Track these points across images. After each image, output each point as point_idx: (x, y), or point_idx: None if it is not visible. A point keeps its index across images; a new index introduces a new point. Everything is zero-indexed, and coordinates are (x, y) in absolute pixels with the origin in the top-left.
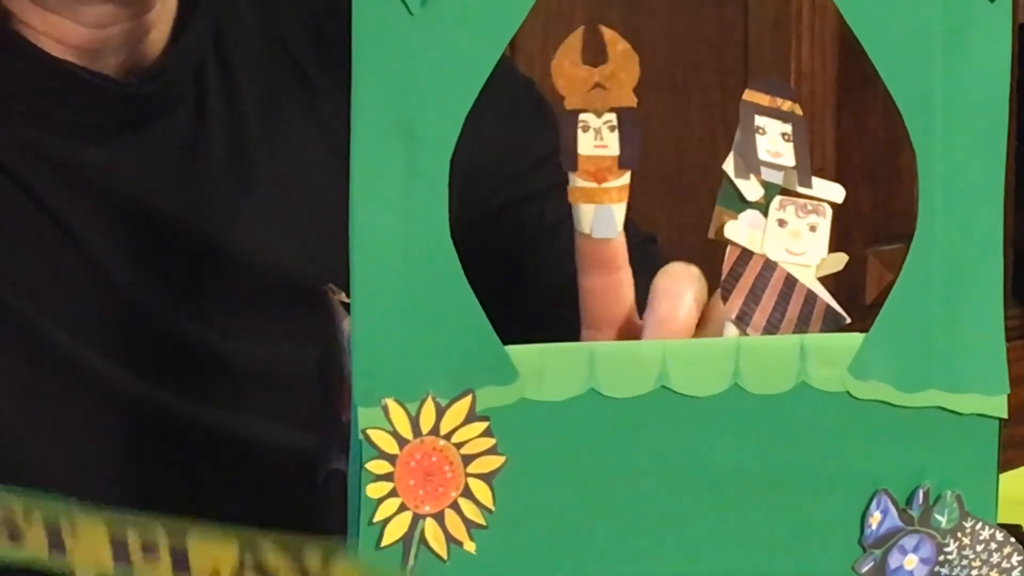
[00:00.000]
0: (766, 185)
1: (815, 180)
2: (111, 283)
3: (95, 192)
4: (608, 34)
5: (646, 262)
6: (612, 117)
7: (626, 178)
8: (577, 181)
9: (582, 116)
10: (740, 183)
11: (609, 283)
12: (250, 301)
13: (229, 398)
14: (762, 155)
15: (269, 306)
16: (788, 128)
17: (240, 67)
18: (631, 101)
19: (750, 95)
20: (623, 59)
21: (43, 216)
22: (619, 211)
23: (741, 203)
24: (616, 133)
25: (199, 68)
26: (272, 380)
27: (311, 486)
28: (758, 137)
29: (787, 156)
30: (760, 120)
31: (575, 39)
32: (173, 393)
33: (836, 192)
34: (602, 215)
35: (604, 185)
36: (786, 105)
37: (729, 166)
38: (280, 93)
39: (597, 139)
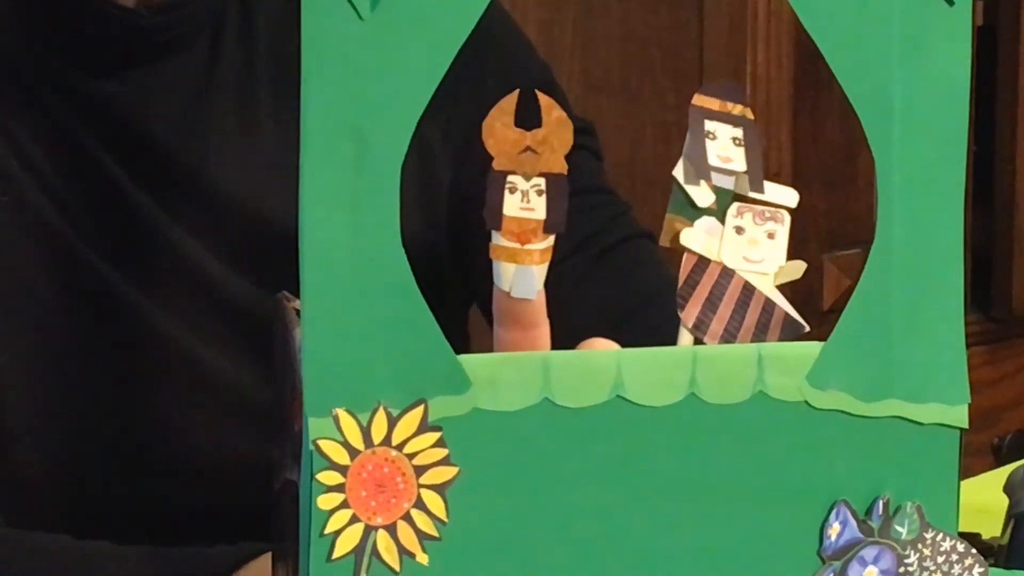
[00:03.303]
0: (717, 191)
1: (768, 185)
2: (120, 196)
3: (105, 123)
4: (544, 101)
5: (631, 256)
6: (541, 181)
7: (550, 241)
8: (500, 240)
9: (510, 177)
10: (691, 189)
11: (526, 338)
12: (241, 247)
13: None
14: (712, 160)
15: (259, 254)
16: (739, 132)
17: (260, 21)
18: (561, 167)
19: (699, 100)
20: (557, 126)
21: (60, 135)
22: (540, 272)
23: (692, 209)
24: (543, 197)
25: (219, 17)
26: (250, 321)
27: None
28: (708, 142)
29: (738, 161)
30: (710, 125)
31: (509, 102)
32: (148, 296)
33: (790, 196)
34: (522, 275)
35: (527, 247)
36: (737, 109)
37: (679, 172)
38: (294, 54)
39: (524, 201)
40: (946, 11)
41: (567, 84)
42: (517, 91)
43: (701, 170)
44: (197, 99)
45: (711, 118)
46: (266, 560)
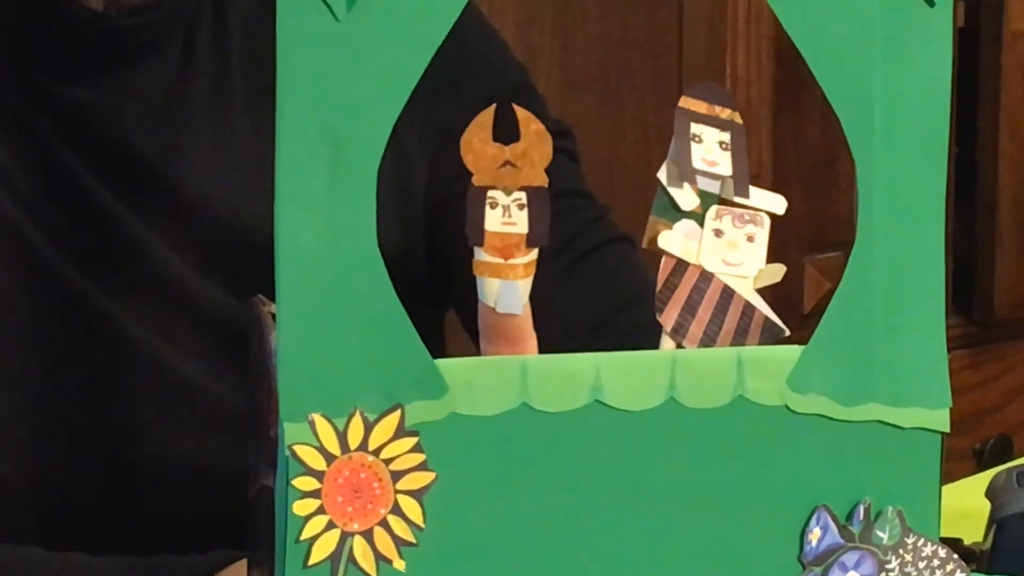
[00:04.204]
0: (702, 194)
1: (757, 191)
2: (92, 203)
3: (76, 129)
4: (522, 114)
5: (609, 260)
6: (521, 195)
7: (533, 255)
8: (483, 255)
9: (490, 193)
10: (674, 192)
11: (513, 352)
12: (215, 252)
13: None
14: (697, 163)
15: (234, 260)
16: (726, 137)
17: (234, 23)
18: (542, 180)
19: (686, 102)
20: (536, 139)
21: (30, 141)
22: (524, 287)
23: (676, 212)
24: (525, 211)
25: (192, 18)
26: (225, 329)
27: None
28: (693, 145)
29: (724, 165)
30: (696, 128)
31: (486, 117)
32: (121, 304)
33: (777, 203)
34: (507, 291)
35: (510, 261)
36: (725, 113)
37: (663, 174)
38: (268, 56)
39: (505, 216)
40: (927, 13)
41: (545, 86)
42: (494, 105)
43: (685, 173)
44: (170, 103)
45: (697, 121)
46: (240, 567)
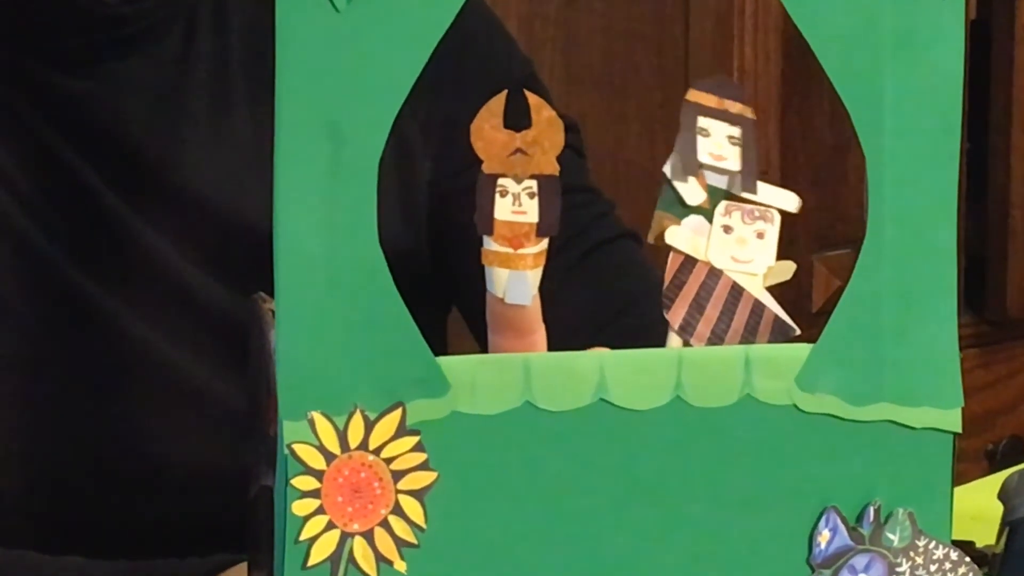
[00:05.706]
0: (710, 190)
1: (768, 187)
2: (90, 198)
3: (74, 121)
4: (533, 100)
5: (615, 257)
6: (532, 184)
7: (543, 244)
8: (492, 245)
9: (500, 181)
10: (679, 186)
11: (521, 344)
12: (216, 248)
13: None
14: (703, 158)
15: (234, 256)
16: (736, 131)
17: (233, 13)
18: (553, 169)
19: (694, 95)
20: (547, 126)
21: (26, 134)
22: (534, 277)
23: (681, 207)
24: (535, 200)
25: (191, 8)
26: (226, 328)
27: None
28: (700, 139)
29: (732, 160)
30: (703, 121)
31: (497, 103)
32: (121, 301)
33: (789, 200)
34: (516, 281)
35: (520, 251)
36: (735, 107)
37: (668, 168)
38: (268, 47)
39: (515, 204)
40: (939, 5)
41: (549, 79)
42: (505, 92)
43: (690, 167)
44: (169, 95)
45: (705, 114)
46: (240, 570)
